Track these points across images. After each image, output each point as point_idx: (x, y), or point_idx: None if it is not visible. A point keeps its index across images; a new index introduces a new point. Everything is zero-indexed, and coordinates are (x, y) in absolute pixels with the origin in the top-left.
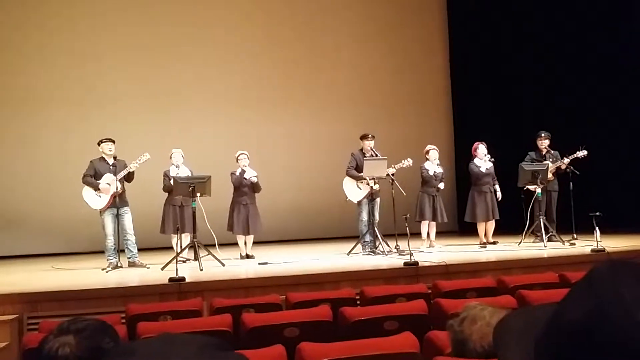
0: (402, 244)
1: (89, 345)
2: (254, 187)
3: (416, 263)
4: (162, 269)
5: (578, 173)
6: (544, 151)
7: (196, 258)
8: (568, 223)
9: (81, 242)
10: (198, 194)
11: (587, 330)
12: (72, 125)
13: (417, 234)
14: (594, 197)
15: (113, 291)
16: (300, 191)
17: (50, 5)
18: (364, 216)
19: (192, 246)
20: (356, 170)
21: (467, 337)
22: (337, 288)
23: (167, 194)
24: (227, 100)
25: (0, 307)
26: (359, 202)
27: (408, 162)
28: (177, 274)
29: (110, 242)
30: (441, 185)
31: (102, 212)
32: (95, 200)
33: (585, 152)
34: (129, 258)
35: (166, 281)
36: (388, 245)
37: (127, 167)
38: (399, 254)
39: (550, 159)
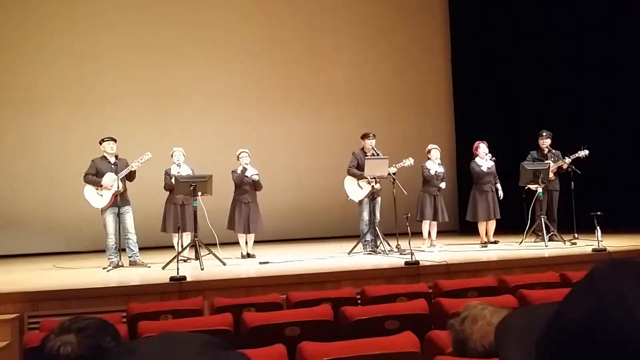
0: (403, 244)
1: (90, 344)
2: (255, 186)
3: (417, 262)
4: (163, 268)
5: (579, 172)
6: (546, 150)
7: (197, 257)
8: (569, 222)
9: (82, 241)
10: (199, 193)
11: (588, 330)
12: (73, 125)
13: (418, 234)
14: (595, 196)
15: (114, 290)
16: (301, 191)
17: (50, 5)
18: (365, 215)
19: (193, 245)
20: (357, 169)
21: (468, 337)
22: (338, 287)
23: (168, 192)
24: (227, 100)
25: (1, 306)
26: (360, 202)
27: (409, 162)
28: (178, 273)
29: (112, 241)
30: (442, 185)
31: (103, 211)
32: (97, 199)
33: (586, 152)
34: (130, 257)
35: (167, 280)
36: (389, 245)
37: (128, 166)
38: (400, 254)
39: (552, 159)
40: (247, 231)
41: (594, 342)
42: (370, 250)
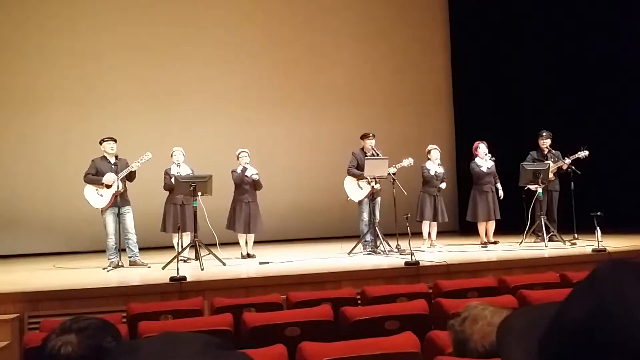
0: (403, 244)
1: (91, 344)
2: (255, 185)
3: (417, 263)
4: (163, 268)
5: (579, 173)
6: (546, 151)
7: (197, 257)
8: (569, 223)
9: (82, 241)
10: (199, 193)
11: (589, 330)
12: (73, 125)
13: (418, 234)
14: (595, 197)
15: (114, 290)
16: (301, 191)
17: (50, 6)
18: (365, 216)
19: (193, 245)
20: (357, 169)
21: (468, 337)
22: (338, 287)
23: (168, 192)
24: (227, 100)
25: (1, 306)
26: (360, 202)
27: (409, 162)
28: (178, 273)
29: (112, 241)
30: (443, 185)
31: (103, 211)
32: (97, 199)
33: (586, 153)
34: (130, 257)
35: (167, 280)
36: (389, 245)
37: (128, 166)
38: (400, 254)
39: (552, 159)
40: (248, 231)
41: (595, 342)
42: (370, 251)
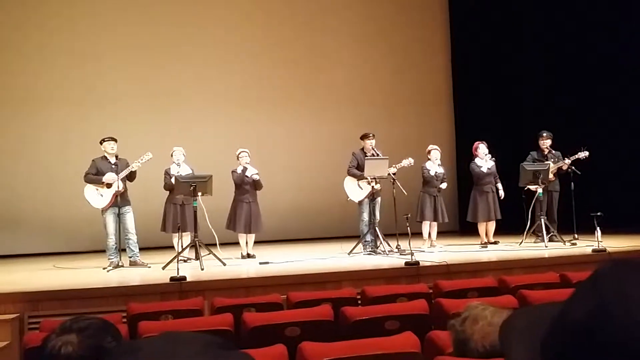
0: (403, 244)
1: (91, 344)
2: (256, 185)
3: (417, 263)
4: (163, 268)
5: (579, 173)
6: (546, 151)
7: (197, 257)
8: (569, 223)
9: (82, 241)
10: (199, 193)
11: (591, 330)
12: (73, 125)
13: (418, 234)
14: (595, 197)
15: (114, 290)
16: (301, 191)
17: (50, 5)
18: (365, 216)
19: (193, 245)
20: (357, 169)
21: (468, 337)
22: (338, 288)
23: (168, 192)
24: (227, 100)
25: (1, 306)
26: (360, 202)
27: (409, 162)
28: (178, 273)
29: (112, 241)
30: (443, 186)
31: (103, 211)
32: (97, 199)
33: (586, 153)
34: (130, 257)
35: (167, 280)
36: (389, 245)
37: (129, 166)
38: (400, 254)
39: (552, 159)
40: (249, 231)
41: (596, 341)
42: (370, 251)
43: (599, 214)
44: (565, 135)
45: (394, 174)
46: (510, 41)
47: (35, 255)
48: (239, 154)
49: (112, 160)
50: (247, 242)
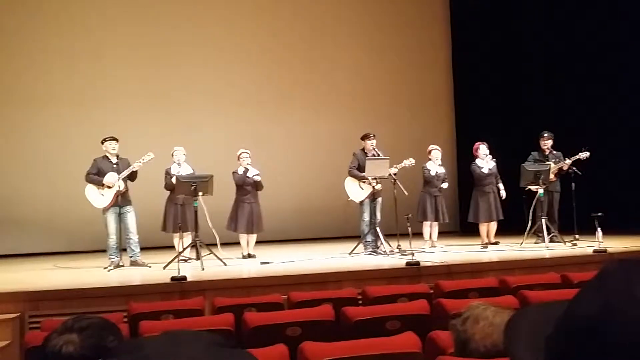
0: (404, 244)
1: (92, 344)
2: (257, 186)
3: (418, 263)
4: (164, 268)
5: (580, 173)
6: (547, 151)
7: (198, 257)
8: (570, 223)
9: (83, 241)
10: (200, 193)
11: (596, 328)
12: (74, 124)
13: (419, 234)
14: (595, 197)
15: (115, 290)
16: (302, 191)
17: (51, 5)
18: (366, 216)
19: (193, 245)
20: (358, 169)
21: (469, 337)
22: (339, 288)
23: (168, 192)
24: (228, 100)
25: (2, 305)
26: (361, 202)
27: (410, 162)
28: (179, 273)
29: (113, 241)
30: (444, 185)
31: (104, 210)
32: (98, 198)
33: (587, 154)
34: (131, 257)
35: (168, 280)
36: (390, 245)
37: (130, 166)
38: (401, 254)
39: (553, 160)
40: (250, 231)
41: (602, 340)
42: (371, 251)
43: (599, 214)
44: (565, 136)
45: (394, 174)
46: (510, 41)
47: (36, 254)
48: (240, 154)
49: (114, 160)
50: (248, 242)
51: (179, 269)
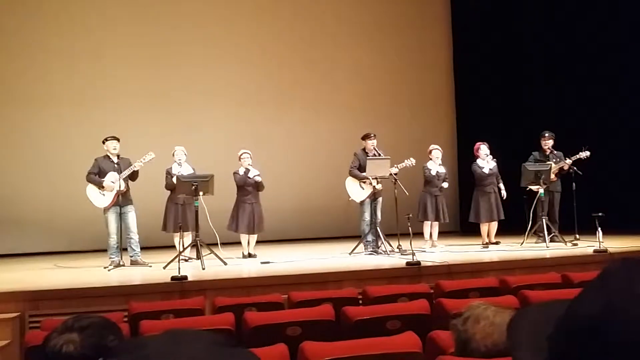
0: (405, 244)
1: (93, 343)
2: (258, 186)
3: (418, 263)
4: (165, 267)
5: (581, 173)
6: (548, 151)
7: (198, 257)
8: (571, 223)
9: (84, 240)
10: (201, 193)
11: (599, 327)
12: (74, 124)
13: (419, 234)
14: (596, 197)
15: (115, 290)
16: (302, 191)
17: (51, 5)
18: (367, 216)
19: (194, 245)
20: (359, 169)
21: (470, 337)
22: (340, 287)
23: (169, 192)
24: (228, 100)
25: (2, 304)
26: (362, 202)
27: (411, 162)
28: (179, 273)
29: (113, 240)
30: (445, 185)
31: (105, 210)
32: (99, 198)
33: (588, 153)
34: (132, 256)
35: (168, 280)
36: (390, 245)
37: (131, 165)
38: (401, 254)
39: (554, 160)
40: (252, 232)
41: (604, 339)
42: (371, 251)
43: (600, 214)
44: (566, 136)
45: (395, 174)
46: (511, 42)
47: (37, 254)
48: (241, 155)
49: (115, 159)
50: (248, 242)
51: (179, 268)
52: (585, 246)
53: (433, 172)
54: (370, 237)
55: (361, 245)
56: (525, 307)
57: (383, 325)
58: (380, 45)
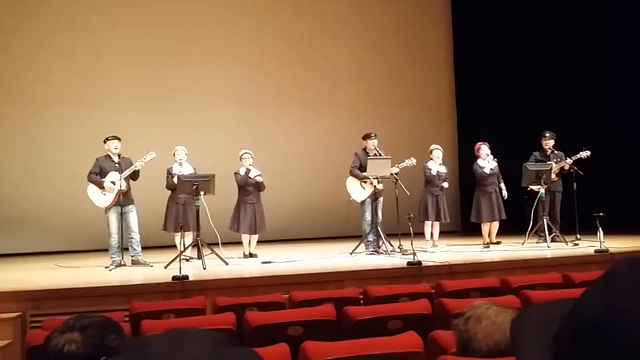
0: (406, 244)
1: (94, 342)
2: (259, 186)
3: (419, 263)
4: (166, 267)
5: (582, 173)
6: (549, 151)
7: (199, 256)
8: (572, 223)
9: (85, 240)
10: (202, 193)
11: (603, 327)
12: (75, 124)
13: (420, 234)
14: (597, 197)
15: (116, 289)
16: (303, 191)
17: (51, 5)
18: (368, 216)
19: (195, 245)
20: (360, 169)
21: (472, 336)
22: (341, 287)
23: (170, 191)
24: (228, 99)
25: (3, 304)
26: (363, 202)
27: (411, 162)
28: (180, 273)
29: (114, 240)
30: (445, 185)
31: (106, 210)
32: (100, 198)
33: (588, 153)
34: (133, 256)
35: (170, 279)
36: (391, 245)
37: (132, 165)
38: (402, 254)
39: (555, 160)
40: (254, 232)
41: (609, 338)
42: (372, 251)
43: (601, 214)
44: (566, 137)
45: (396, 173)
46: (511, 42)
47: (38, 254)
48: (242, 155)
49: (116, 159)
50: (249, 242)
51: (180, 268)
52: (586, 246)
53: (434, 172)
54: (371, 237)
55: (362, 245)
56: (527, 306)
57: (384, 325)
58: (380, 45)
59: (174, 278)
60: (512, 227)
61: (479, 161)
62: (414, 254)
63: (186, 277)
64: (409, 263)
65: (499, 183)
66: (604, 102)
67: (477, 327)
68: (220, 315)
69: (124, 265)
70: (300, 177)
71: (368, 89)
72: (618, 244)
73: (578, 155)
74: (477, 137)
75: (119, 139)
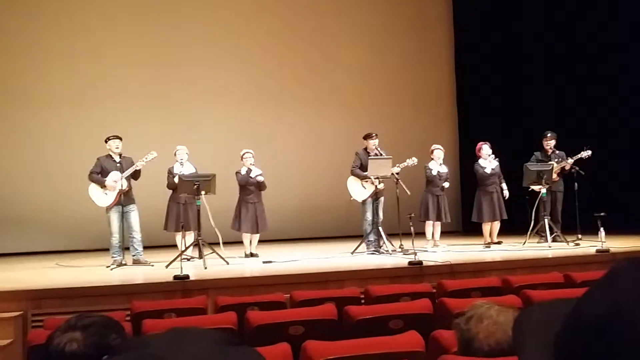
0: (407, 244)
1: (95, 342)
2: (260, 186)
3: (420, 262)
4: (167, 266)
5: (583, 173)
6: (550, 151)
7: (200, 256)
8: (573, 223)
9: (86, 239)
10: (203, 192)
11: (605, 327)
12: (75, 123)
13: (421, 234)
14: (597, 197)
15: (118, 289)
16: (304, 190)
17: (51, 5)
18: (368, 215)
19: (196, 244)
20: (361, 169)
21: (473, 336)
22: (342, 287)
23: (171, 191)
24: (229, 99)
25: (4, 303)
26: (364, 202)
27: (412, 161)
28: (181, 272)
29: (116, 239)
30: (446, 185)
31: (108, 209)
32: (102, 197)
33: (589, 153)
34: (134, 256)
35: (171, 279)
36: (392, 245)
37: (133, 164)
38: (403, 253)
39: (556, 160)
40: (255, 231)
41: (611, 338)
42: (373, 250)
43: (602, 214)
44: (566, 137)
45: (397, 173)
46: (511, 42)
47: (39, 253)
48: (243, 154)
49: (117, 158)
50: (250, 241)
51: (181, 267)
52: (587, 246)
53: (435, 172)
54: (372, 237)
55: (363, 245)
56: (528, 306)
57: (385, 324)
58: (381, 45)
59: (175, 277)
60: (513, 227)
61: (480, 161)
62: (415, 254)
63: (187, 276)
64: (410, 263)
65: (500, 183)
66: (604, 102)
67: (479, 327)
68: (222, 315)
69: (125, 264)
70: (301, 177)
71: (369, 89)
72: (619, 244)
73: (579, 155)
74: (478, 137)
75: (120, 138)
